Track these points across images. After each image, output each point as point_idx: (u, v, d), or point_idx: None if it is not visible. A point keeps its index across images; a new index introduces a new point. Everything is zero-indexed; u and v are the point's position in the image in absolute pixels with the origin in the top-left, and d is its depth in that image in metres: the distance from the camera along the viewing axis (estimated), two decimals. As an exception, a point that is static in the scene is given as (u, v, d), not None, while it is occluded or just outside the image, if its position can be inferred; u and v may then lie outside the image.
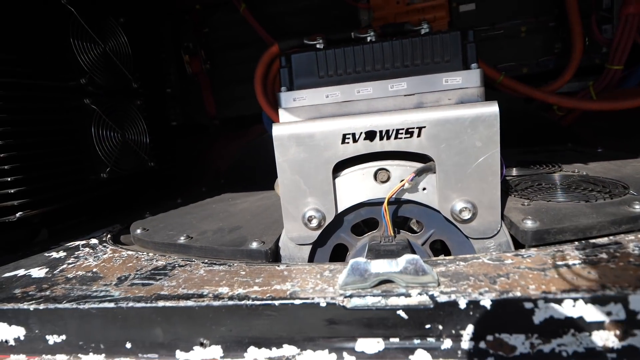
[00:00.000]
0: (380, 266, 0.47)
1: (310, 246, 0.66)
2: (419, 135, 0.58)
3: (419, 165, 0.61)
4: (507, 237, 0.60)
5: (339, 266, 0.56)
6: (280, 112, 0.69)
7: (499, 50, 1.32)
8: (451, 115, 0.57)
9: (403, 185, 0.59)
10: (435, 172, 0.59)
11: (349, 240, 0.67)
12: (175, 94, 1.56)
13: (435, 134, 0.57)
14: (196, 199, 1.16)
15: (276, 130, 0.62)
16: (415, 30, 0.73)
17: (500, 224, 0.59)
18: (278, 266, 0.59)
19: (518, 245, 0.60)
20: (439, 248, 0.69)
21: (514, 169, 0.92)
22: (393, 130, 0.59)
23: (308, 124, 0.62)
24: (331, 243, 0.67)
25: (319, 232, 0.64)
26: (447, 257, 0.54)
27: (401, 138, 0.59)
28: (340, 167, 0.63)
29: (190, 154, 1.64)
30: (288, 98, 0.69)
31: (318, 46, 0.71)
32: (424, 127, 0.57)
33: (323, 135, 0.61)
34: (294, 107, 0.69)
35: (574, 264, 0.47)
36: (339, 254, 0.69)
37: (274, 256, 0.67)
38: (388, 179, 0.62)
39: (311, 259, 0.67)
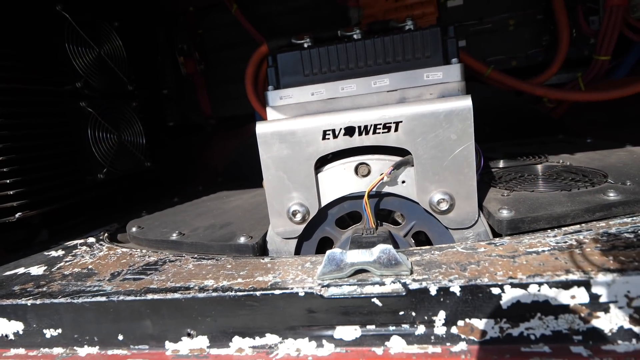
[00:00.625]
0: (356, 256, 0.49)
1: (296, 240, 0.68)
2: (396, 130, 0.60)
3: (398, 159, 0.62)
4: (485, 227, 0.61)
5: (320, 258, 0.58)
6: (268, 110, 0.71)
7: (488, 44, 1.33)
8: (426, 109, 0.58)
9: (382, 179, 0.61)
10: (413, 165, 0.61)
11: (334, 233, 0.69)
12: (171, 95, 1.58)
13: (412, 128, 0.59)
14: (192, 197, 1.19)
15: (260, 128, 0.64)
16: (399, 27, 0.74)
17: (478, 214, 0.61)
18: (262, 259, 0.61)
19: (497, 235, 0.61)
20: (424, 240, 0.71)
21: (501, 161, 0.93)
22: (371, 125, 0.60)
23: (290, 122, 0.64)
24: (316, 236, 0.69)
25: (303, 226, 0.66)
26: (424, 247, 0.56)
27: (379, 133, 0.60)
28: (322, 162, 0.65)
29: (187, 154, 1.66)
30: (275, 97, 0.71)
31: (305, 45, 0.73)
32: (401, 121, 0.59)
33: (304, 132, 0.63)
34: (281, 105, 0.71)
35: (543, 251, 0.49)
36: (326, 248, 0.71)
37: (262, 250, 0.69)
38: (369, 172, 0.64)
39: (298, 252, 0.69)
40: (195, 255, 0.68)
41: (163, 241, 0.77)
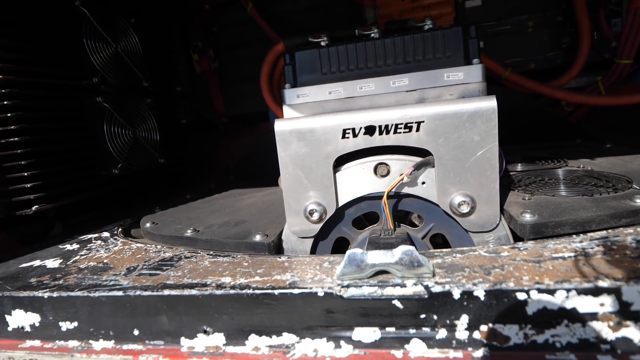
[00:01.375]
0: (377, 257, 0.48)
1: (312, 239, 0.67)
2: (417, 130, 0.59)
3: (418, 159, 0.61)
4: (506, 230, 0.60)
5: (338, 258, 0.57)
6: (285, 108, 0.71)
7: (506, 45, 1.31)
8: (449, 109, 0.57)
9: (402, 180, 0.60)
10: (434, 166, 0.60)
11: (350, 233, 0.68)
12: (185, 92, 1.59)
13: (434, 128, 0.58)
14: (204, 194, 1.19)
15: (278, 126, 0.64)
16: (419, 27, 0.73)
17: (499, 218, 0.59)
18: (279, 258, 0.61)
19: (518, 239, 0.60)
20: (440, 242, 0.70)
21: (519, 164, 0.92)
22: (392, 125, 0.60)
23: (309, 120, 0.63)
24: (333, 236, 0.69)
25: (320, 225, 0.65)
26: (445, 250, 0.55)
27: (400, 133, 0.60)
28: (341, 161, 0.65)
29: (200, 151, 1.67)
30: (292, 95, 0.70)
31: (322, 43, 0.73)
32: (423, 121, 0.58)
33: (324, 130, 0.62)
34: (298, 103, 0.70)
35: (570, 257, 0.48)
36: (341, 248, 0.70)
37: (277, 249, 0.68)
38: (388, 173, 0.63)
39: (313, 252, 0.69)
40: (211, 252, 0.67)
41: (178, 237, 0.77)
